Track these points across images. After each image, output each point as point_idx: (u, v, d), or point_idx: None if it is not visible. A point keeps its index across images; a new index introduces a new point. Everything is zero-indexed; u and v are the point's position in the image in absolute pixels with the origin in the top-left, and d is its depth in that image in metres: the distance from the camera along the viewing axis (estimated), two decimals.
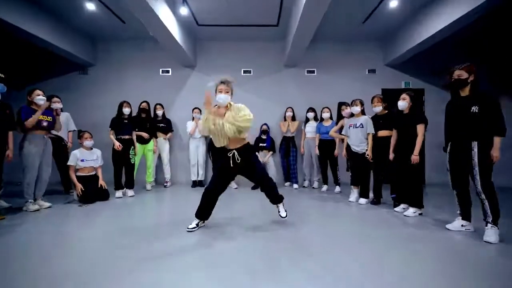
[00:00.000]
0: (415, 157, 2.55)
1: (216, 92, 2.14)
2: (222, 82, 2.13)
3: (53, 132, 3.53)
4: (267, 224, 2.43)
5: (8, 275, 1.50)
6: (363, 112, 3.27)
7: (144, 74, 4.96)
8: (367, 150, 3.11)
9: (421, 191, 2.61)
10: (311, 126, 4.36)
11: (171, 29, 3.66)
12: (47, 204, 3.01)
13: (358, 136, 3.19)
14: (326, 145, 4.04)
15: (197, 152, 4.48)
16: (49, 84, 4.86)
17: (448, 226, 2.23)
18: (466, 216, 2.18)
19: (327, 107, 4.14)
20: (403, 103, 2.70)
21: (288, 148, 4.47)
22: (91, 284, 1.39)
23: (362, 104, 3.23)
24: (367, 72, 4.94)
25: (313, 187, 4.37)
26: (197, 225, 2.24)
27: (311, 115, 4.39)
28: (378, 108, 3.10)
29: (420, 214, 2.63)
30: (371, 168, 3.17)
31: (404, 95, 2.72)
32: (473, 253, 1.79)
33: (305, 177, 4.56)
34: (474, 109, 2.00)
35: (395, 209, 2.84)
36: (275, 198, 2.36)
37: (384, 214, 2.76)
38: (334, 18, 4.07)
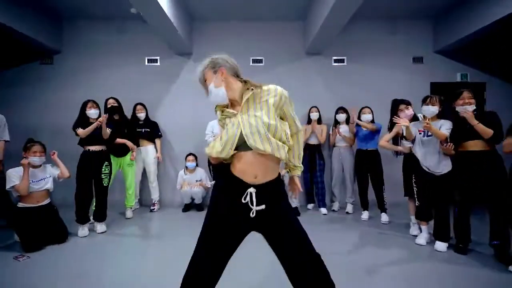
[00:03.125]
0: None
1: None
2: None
3: None
4: None
5: None
6: (438, 115, 2.23)
7: (125, 63, 3.85)
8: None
9: None
10: (343, 131, 3.32)
11: (162, 2, 2.58)
12: None
13: (435, 149, 2.14)
14: (367, 156, 3.02)
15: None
16: (3, 76, 3.76)
17: None
18: None
19: (368, 107, 3.11)
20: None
21: (313, 159, 3.41)
22: None
23: (441, 103, 2.18)
24: (412, 61, 3.88)
25: (347, 212, 3.33)
26: None
27: (341, 117, 3.35)
28: (470, 108, 2.05)
29: None
30: (455, 197, 2.12)
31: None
32: None
33: (334, 198, 3.52)
34: None
35: (511, 268, 1.80)
36: None
37: (494, 278, 1.72)
38: None
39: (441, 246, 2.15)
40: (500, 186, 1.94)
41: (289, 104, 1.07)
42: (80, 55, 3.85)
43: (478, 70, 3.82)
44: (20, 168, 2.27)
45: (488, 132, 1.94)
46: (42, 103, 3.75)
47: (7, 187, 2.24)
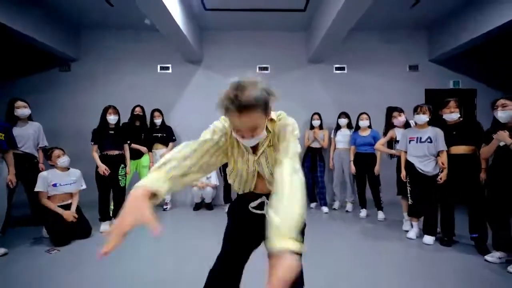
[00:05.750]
0: None
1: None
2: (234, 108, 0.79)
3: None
4: None
5: None
6: (429, 123, 2.48)
7: (138, 71, 4.10)
8: (441, 172, 2.32)
9: None
10: (343, 135, 3.56)
11: (174, 15, 2.83)
12: (2, 251, 2.18)
13: (425, 154, 2.39)
14: (365, 159, 3.25)
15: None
16: (24, 83, 4.00)
17: None
18: None
19: (365, 113, 3.34)
20: (505, 113, 1.91)
21: (315, 162, 3.66)
22: None
23: (430, 111, 2.43)
24: (408, 69, 4.13)
25: (347, 211, 3.57)
26: None
27: (343, 121, 3.58)
28: (455, 115, 2.31)
29: None
30: (443, 196, 2.37)
31: (503, 101, 1.93)
32: None
33: (335, 197, 3.76)
34: None
35: (487, 257, 2.05)
36: None
37: (473, 266, 1.97)
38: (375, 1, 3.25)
39: (428, 239, 2.40)
40: (477, 185, 2.17)
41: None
42: (96, 63, 4.10)
43: (470, 78, 4.06)
44: (50, 173, 2.52)
45: None
46: (61, 107, 3.99)
47: (36, 189, 2.47)
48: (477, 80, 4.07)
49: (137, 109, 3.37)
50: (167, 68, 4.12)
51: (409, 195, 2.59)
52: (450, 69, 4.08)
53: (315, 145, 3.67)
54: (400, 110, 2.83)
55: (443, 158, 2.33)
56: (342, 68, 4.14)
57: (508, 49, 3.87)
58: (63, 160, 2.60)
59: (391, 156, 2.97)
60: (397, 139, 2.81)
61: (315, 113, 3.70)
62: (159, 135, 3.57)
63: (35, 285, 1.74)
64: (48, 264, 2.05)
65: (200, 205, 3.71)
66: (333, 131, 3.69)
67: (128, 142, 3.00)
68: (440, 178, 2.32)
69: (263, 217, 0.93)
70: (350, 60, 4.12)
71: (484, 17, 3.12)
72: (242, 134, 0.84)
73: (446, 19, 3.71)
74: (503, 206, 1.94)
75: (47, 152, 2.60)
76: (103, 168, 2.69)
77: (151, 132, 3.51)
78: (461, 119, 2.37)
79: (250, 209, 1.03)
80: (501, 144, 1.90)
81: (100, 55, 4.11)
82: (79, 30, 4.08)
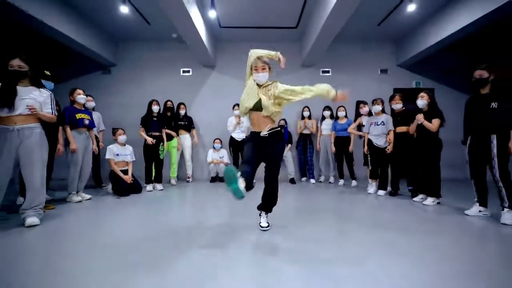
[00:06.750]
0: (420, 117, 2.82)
1: (251, 70, 1.96)
2: (258, 58, 1.91)
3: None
4: (288, 216, 2.65)
5: (59, 256, 1.64)
6: (383, 111, 3.50)
7: (165, 74, 5.14)
8: (388, 145, 3.34)
9: (439, 181, 2.84)
10: (327, 124, 4.57)
11: (200, 31, 3.85)
12: (88, 196, 3.20)
13: (379, 133, 3.42)
14: (342, 142, 4.26)
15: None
16: (73, 83, 5.01)
17: (466, 211, 2.46)
18: (483, 202, 2.39)
19: (342, 106, 4.35)
20: (422, 101, 2.92)
21: (306, 145, 4.69)
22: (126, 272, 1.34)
23: (383, 103, 3.46)
24: (379, 73, 5.16)
25: (330, 182, 4.59)
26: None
27: (327, 113, 4.60)
28: (399, 105, 3.32)
29: (438, 203, 2.86)
30: (391, 162, 3.39)
31: (422, 93, 2.94)
32: (491, 233, 2.01)
33: (321, 173, 4.78)
34: (494, 105, 2.23)
35: (414, 199, 3.07)
36: (268, 206, 2.03)
37: (404, 203, 2.98)
38: (350, 19, 4.27)
39: (381, 192, 3.43)
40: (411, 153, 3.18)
41: (285, 88, 1.86)
42: (131, 68, 5.14)
43: (429, 79, 5.09)
44: (114, 146, 3.55)
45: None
46: (103, 104, 5.00)
47: (106, 157, 3.51)
48: (435, 81, 5.09)
49: (169, 102, 4.42)
50: (188, 71, 5.16)
51: (369, 163, 3.61)
52: (413, 72, 5.11)
53: (306, 131, 4.70)
54: (364, 103, 3.85)
55: (390, 135, 3.35)
56: (327, 71, 5.18)
57: (459, 55, 4.88)
58: (122, 138, 3.63)
59: (360, 137, 3.99)
60: (363, 124, 3.83)
61: (305, 106, 4.72)
62: (182, 123, 4.60)
63: (114, 213, 2.72)
64: (119, 205, 3.05)
65: (215, 179, 4.73)
66: (319, 121, 4.71)
67: (165, 127, 4.04)
68: (388, 149, 3.34)
69: (266, 139, 1.91)
70: (333, 65, 5.16)
71: (438, 30, 4.10)
72: (258, 69, 1.90)
73: (408, 32, 4.74)
74: (421, 164, 2.94)
75: (114, 130, 3.63)
76: (150, 139, 3.72)
77: (177, 121, 4.53)
78: (403, 108, 3.38)
79: (262, 135, 1.91)
80: (419, 122, 2.90)
81: (134, 61, 5.14)
82: (117, 39, 5.12)
